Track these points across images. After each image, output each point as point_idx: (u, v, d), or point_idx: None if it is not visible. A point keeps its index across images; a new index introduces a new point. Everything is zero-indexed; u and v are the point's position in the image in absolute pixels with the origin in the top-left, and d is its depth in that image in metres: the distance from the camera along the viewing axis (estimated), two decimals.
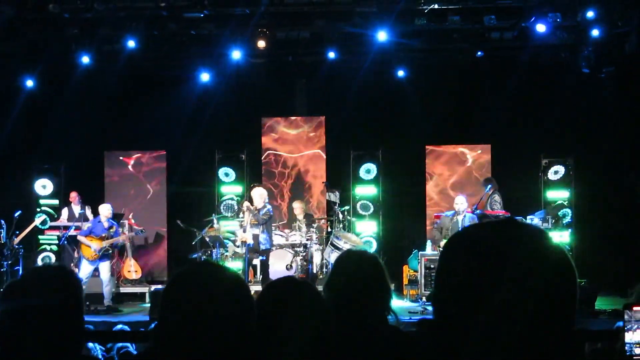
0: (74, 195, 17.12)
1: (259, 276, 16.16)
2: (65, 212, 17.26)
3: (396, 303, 13.20)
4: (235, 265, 16.19)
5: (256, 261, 15.76)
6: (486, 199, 16.10)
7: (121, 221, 16.96)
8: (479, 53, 16.86)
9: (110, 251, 15.63)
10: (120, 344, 7.97)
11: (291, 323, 2.99)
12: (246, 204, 15.14)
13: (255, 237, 14.94)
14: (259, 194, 15.18)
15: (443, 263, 1.85)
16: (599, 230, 17.14)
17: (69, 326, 3.17)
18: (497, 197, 16.15)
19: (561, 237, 15.93)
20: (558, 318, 1.74)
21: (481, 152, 18.68)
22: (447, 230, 15.46)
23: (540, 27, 15.56)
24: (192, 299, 2.47)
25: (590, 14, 14.78)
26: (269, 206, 15.25)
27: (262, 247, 15.02)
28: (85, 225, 15.86)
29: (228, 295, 2.51)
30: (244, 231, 15.02)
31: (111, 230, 15.50)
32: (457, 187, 18.42)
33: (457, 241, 1.86)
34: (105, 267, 15.35)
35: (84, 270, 15.09)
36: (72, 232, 16.14)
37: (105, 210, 15.63)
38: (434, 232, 16.30)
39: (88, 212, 16.84)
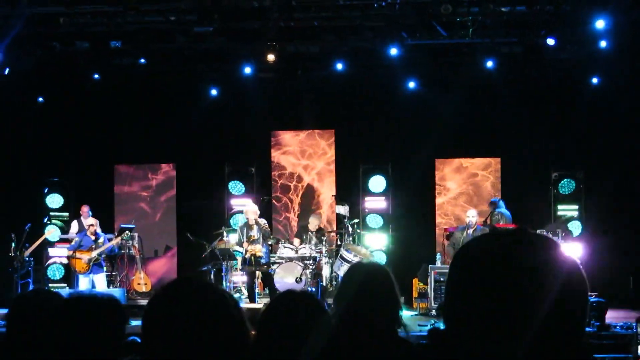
0: (85, 210, 17.13)
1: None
2: (75, 225, 17.28)
3: (406, 315, 13.18)
4: (242, 279, 16.24)
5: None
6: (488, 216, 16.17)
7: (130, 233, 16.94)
8: (490, 64, 16.79)
9: (102, 260, 15.63)
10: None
11: (294, 341, 2.99)
12: (254, 218, 15.21)
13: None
14: (253, 211, 15.35)
15: (453, 274, 1.85)
16: (609, 244, 17.08)
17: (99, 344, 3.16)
18: (496, 217, 16.13)
19: (571, 250, 15.88)
20: (568, 330, 1.74)
21: (491, 165, 18.64)
22: (459, 246, 15.41)
23: (550, 41, 15.55)
24: (172, 319, 2.39)
25: (599, 24, 14.73)
26: (264, 220, 15.65)
27: (263, 260, 15.13)
28: (74, 240, 15.89)
29: (208, 314, 2.42)
30: (253, 244, 15.06)
31: (99, 241, 15.54)
32: (467, 201, 18.40)
33: (467, 252, 1.85)
34: (100, 279, 15.39)
35: (82, 285, 15.14)
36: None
37: (90, 223, 15.69)
38: (448, 248, 16.29)
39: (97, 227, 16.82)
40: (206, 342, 2.38)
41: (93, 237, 15.49)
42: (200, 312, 2.41)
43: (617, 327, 13.00)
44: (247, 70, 17.44)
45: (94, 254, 15.33)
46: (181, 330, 2.36)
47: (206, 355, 2.38)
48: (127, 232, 16.48)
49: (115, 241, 16.07)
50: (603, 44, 15.50)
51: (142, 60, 17.02)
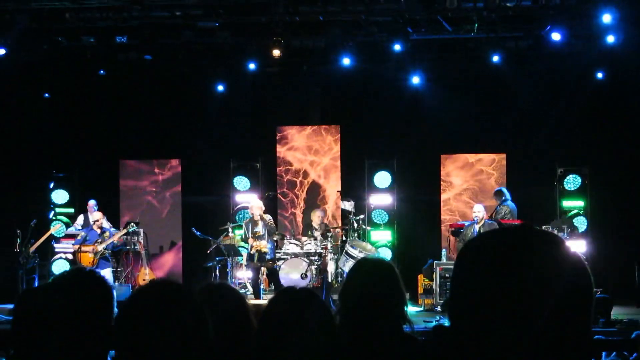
0: (91, 204, 17.13)
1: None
2: (80, 218, 17.31)
3: (411, 311, 13.20)
4: (247, 275, 16.22)
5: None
6: (495, 209, 16.16)
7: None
8: (495, 59, 16.72)
9: (108, 254, 15.63)
10: None
11: (296, 339, 2.98)
12: (259, 214, 15.19)
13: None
14: (258, 207, 15.31)
15: (458, 270, 1.84)
16: (615, 240, 17.06)
17: (96, 331, 3.16)
18: (502, 209, 16.14)
19: (577, 247, 15.85)
20: (574, 325, 1.73)
21: (496, 160, 18.62)
22: None
23: (556, 36, 15.51)
24: (145, 326, 2.34)
25: (606, 18, 14.69)
26: (269, 216, 15.64)
27: (268, 256, 15.13)
28: (80, 235, 15.89)
29: (182, 319, 2.37)
30: (259, 240, 15.04)
31: (104, 235, 15.54)
32: (472, 196, 18.38)
33: (472, 248, 1.85)
34: (106, 274, 15.40)
35: None
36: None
37: (96, 217, 15.69)
38: (458, 245, 16.29)
39: (104, 221, 16.79)
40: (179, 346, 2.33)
41: (99, 231, 15.49)
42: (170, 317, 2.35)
43: (623, 323, 13.00)
44: (253, 65, 17.42)
45: (101, 247, 15.33)
46: (155, 336, 2.32)
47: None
48: (132, 224, 16.47)
49: (120, 234, 16.02)
50: (610, 38, 15.45)
51: (148, 56, 17.02)
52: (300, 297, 3.25)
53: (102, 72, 17.80)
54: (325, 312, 3.23)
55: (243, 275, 16.60)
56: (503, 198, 16.40)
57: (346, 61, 17.03)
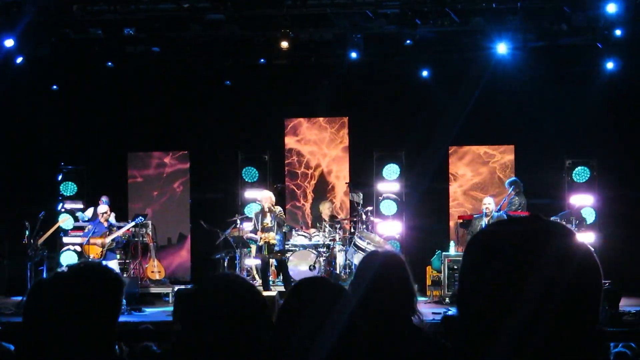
0: (103, 199, 17.17)
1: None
2: (90, 210, 17.34)
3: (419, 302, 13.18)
4: (255, 263, 16.24)
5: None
6: (507, 200, 16.07)
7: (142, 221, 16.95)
8: (503, 50, 16.68)
9: (115, 247, 15.67)
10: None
11: (316, 319, 2.99)
12: (269, 205, 15.17)
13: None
14: (269, 198, 15.24)
15: (467, 261, 1.84)
16: (623, 232, 17.04)
17: (104, 323, 3.17)
18: (516, 200, 16.08)
19: (585, 238, 15.82)
20: (582, 316, 1.73)
21: (505, 152, 18.60)
22: None
23: (564, 27, 15.48)
24: (215, 307, 2.52)
25: (610, 8, 14.64)
26: (279, 208, 15.57)
27: (277, 248, 15.12)
28: (87, 228, 15.93)
29: (245, 304, 2.57)
30: (268, 232, 15.04)
31: (112, 228, 15.59)
32: (481, 188, 18.38)
33: (481, 239, 1.85)
34: (112, 265, 15.43)
35: None
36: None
37: (103, 210, 15.73)
38: (467, 237, 16.27)
39: (112, 217, 16.80)
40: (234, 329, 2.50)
41: (106, 224, 15.53)
42: (237, 301, 2.57)
43: (631, 315, 12.99)
44: (261, 57, 17.42)
45: (108, 239, 15.38)
46: (223, 316, 2.52)
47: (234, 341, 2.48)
48: (139, 217, 16.50)
49: (128, 226, 16.04)
50: (618, 32, 15.42)
51: (156, 48, 17.03)
52: (322, 283, 3.25)
53: (110, 64, 17.80)
54: (345, 297, 3.22)
55: (251, 262, 16.59)
56: (518, 190, 16.29)
57: (354, 54, 17.02)
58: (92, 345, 3.13)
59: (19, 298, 14.86)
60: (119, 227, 15.81)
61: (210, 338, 2.46)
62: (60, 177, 18.29)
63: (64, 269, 3.45)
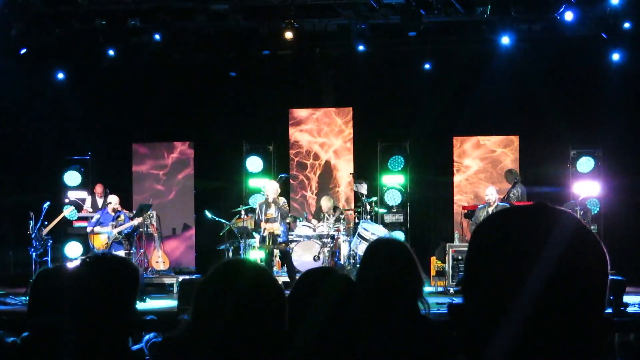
0: (99, 190, 17.20)
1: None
2: (89, 200, 17.35)
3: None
4: (259, 256, 16.24)
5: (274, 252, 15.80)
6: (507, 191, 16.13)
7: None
8: (508, 41, 16.64)
9: (121, 238, 15.68)
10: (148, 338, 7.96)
11: (323, 307, 2.99)
12: (273, 196, 15.15)
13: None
14: (274, 189, 15.22)
15: (472, 249, 1.84)
16: (628, 222, 17.02)
17: (119, 315, 3.19)
18: (514, 190, 16.10)
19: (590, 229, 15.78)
20: (588, 304, 1.73)
21: (510, 143, 18.57)
22: None
23: (569, 16, 15.44)
24: (227, 293, 2.50)
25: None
26: (284, 199, 15.57)
27: (280, 239, 15.11)
28: (94, 217, 15.94)
29: (260, 289, 2.55)
30: (271, 223, 15.04)
31: (119, 219, 15.59)
32: (485, 179, 18.35)
33: (487, 226, 1.84)
34: None
35: None
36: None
37: (113, 200, 15.74)
38: (471, 227, 16.29)
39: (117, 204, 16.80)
40: (256, 314, 2.51)
41: (113, 214, 15.55)
42: (252, 287, 2.55)
43: (636, 306, 12.99)
44: (265, 47, 17.41)
45: (115, 231, 15.39)
46: (235, 303, 2.49)
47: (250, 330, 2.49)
48: (146, 208, 16.50)
49: (137, 221, 16.04)
50: (626, 25, 15.40)
51: (160, 39, 17.01)
52: (330, 273, 3.25)
53: (114, 55, 17.76)
54: (352, 287, 3.23)
55: (256, 257, 16.59)
56: (515, 180, 16.34)
57: (358, 45, 17.00)
58: (110, 334, 3.15)
59: (23, 289, 14.87)
60: (127, 217, 15.81)
61: (222, 326, 2.45)
62: (64, 168, 18.28)
63: (84, 258, 3.46)
